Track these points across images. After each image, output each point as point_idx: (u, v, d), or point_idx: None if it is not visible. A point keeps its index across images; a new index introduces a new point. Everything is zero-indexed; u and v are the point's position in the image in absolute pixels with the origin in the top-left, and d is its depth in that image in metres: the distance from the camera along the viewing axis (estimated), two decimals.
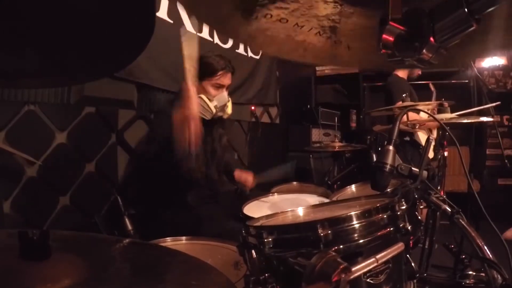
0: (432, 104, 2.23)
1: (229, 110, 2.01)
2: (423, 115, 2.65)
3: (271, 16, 0.72)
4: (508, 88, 4.46)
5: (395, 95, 3.08)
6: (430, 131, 3.04)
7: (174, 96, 2.10)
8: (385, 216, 0.91)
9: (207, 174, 1.94)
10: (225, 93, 1.97)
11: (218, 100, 1.94)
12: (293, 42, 0.80)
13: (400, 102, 2.70)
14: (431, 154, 2.10)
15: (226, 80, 1.97)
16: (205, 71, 1.93)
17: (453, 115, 1.79)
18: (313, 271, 0.70)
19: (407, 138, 3.02)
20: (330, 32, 0.76)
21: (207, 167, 1.97)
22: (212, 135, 2.04)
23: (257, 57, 3.45)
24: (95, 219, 1.76)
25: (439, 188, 2.05)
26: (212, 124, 2.01)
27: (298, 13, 0.72)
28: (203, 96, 1.90)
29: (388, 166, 1.00)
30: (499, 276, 1.00)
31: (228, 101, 2.00)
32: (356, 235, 0.86)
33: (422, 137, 3.06)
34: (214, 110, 1.92)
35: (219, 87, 1.96)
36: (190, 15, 2.10)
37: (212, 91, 1.94)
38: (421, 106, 2.28)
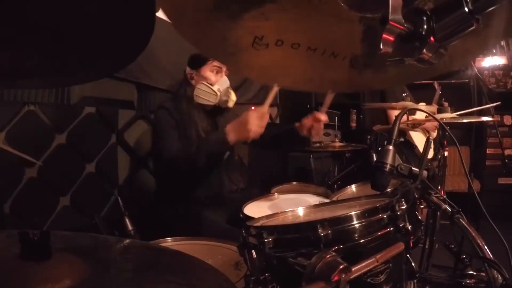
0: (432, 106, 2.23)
1: (233, 96, 1.97)
2: (419, 115, 2.65)
3: (282, 42, 0.68)
4: (508, 88, 4.45)
5: (388, 95, 3.12)
6: (427, 132, 3.04)
7: (172, 95, 2.09)
8: (385, 216, 0.91)
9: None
10: (225, 77, 1.96)
11: (220, 84, 1.93)
12: (309, 71, 0.76)
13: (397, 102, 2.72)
14: (431, 154, 2.10)
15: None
16: (198, 61, 1.93)
17: (453, 114, 1.79)
18: (313, 271, 0.70)
19: (402, 139, 3.03)
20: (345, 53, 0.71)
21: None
22: (217, 126, 2.00)
23: None
24: (95, 220, 1.76)
25: (439, 187, 2.05)
26: (215, 114, 2.00)
27: (310, 35, 0.69)
28: (205, 82, 1.90)
29: (388, 166, 1.00)
30: (499, 276, 1.00)
31: (230, 87, 1.97)
32: (356, 235, 0.86)
33: (414, 136, 3.06)
34: (218, 93, 1.91)
35: (218, 71, 1.94)
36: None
37: (212, 76, 1.93)
38: (421, 106, 2.28)
